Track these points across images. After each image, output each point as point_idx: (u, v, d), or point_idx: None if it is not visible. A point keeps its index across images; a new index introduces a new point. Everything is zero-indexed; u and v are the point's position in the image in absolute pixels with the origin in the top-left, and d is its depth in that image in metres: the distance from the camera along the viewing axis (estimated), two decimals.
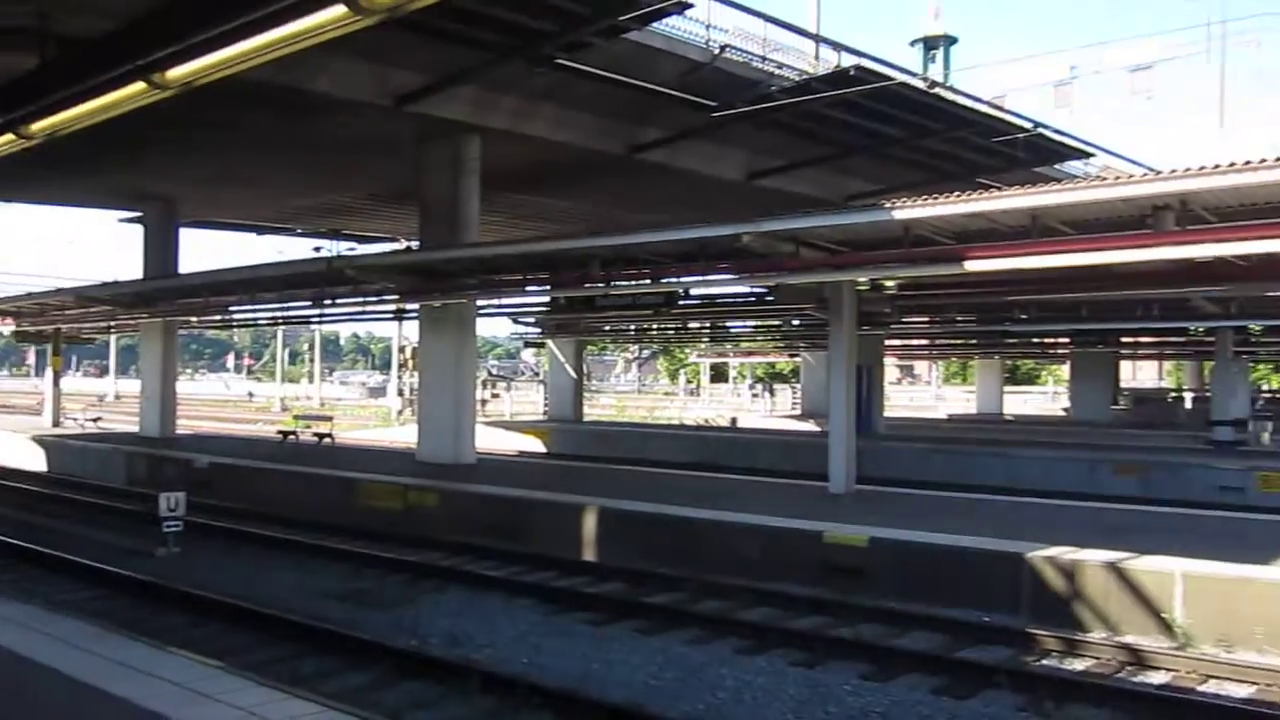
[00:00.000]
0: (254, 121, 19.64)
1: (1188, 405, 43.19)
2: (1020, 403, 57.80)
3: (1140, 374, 68.88)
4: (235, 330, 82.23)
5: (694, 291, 27.01)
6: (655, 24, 17.05)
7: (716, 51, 18.38)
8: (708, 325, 37.98)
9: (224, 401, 71.48)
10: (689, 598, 12.36)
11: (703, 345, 55.98)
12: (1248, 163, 10.53)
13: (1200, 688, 8.99)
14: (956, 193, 13.39)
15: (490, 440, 32.18)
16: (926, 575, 11.93)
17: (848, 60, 19.53)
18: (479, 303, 22.91)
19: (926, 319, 30.72)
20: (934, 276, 17.12)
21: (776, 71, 19.44)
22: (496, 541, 15.40)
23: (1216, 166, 10.85)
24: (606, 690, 8.68)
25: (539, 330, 36.83)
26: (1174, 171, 11.69)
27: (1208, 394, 34.29)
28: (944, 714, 8.21)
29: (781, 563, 13.07)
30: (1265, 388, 58.44)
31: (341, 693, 8.22)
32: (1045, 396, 64.03)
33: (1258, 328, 25.93)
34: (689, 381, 74.44)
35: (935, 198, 13.09)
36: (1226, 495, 21.19)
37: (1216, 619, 10.06)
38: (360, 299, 23.42)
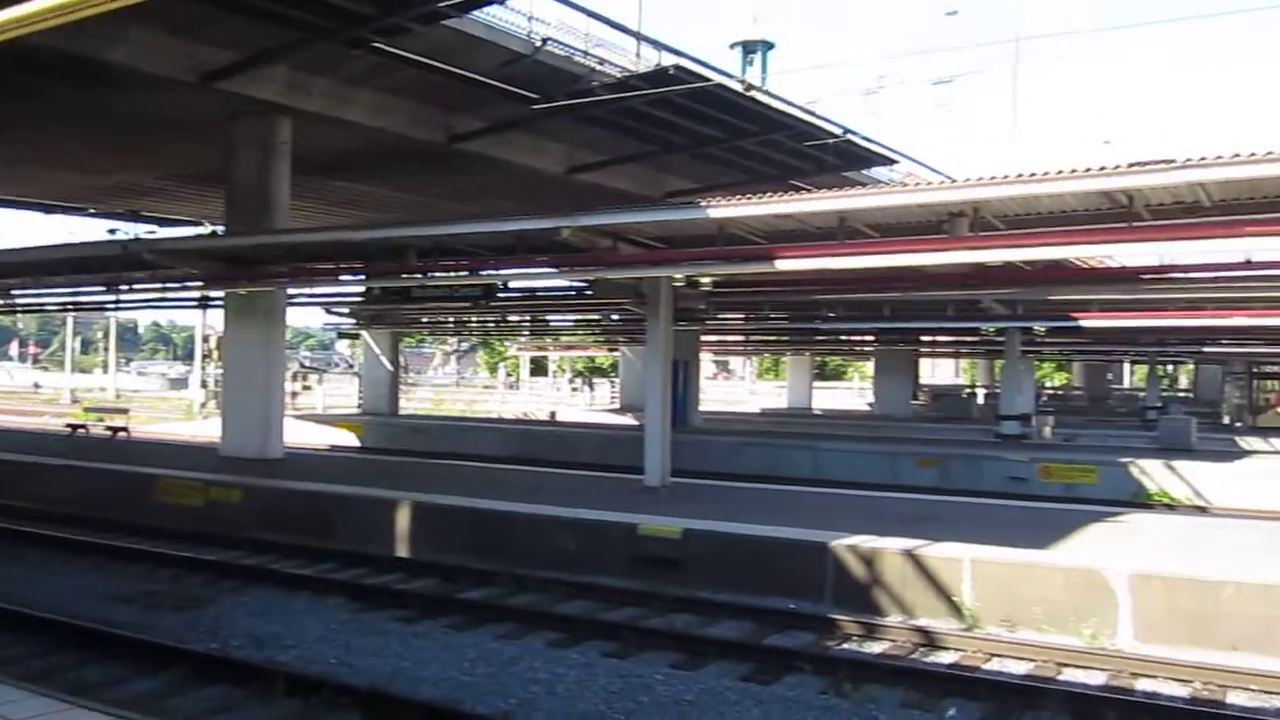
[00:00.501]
0: (54, 93, 18.34)
1: (980, 401, 45.93)
2: (829, 397, 60.23)
3: (939, 371, 72.77)
4: (19, 316, 76.53)
5: (513, 284, 26.88)
6: (476, 12, 16.85)
7: (538, 44, 18.32)
8: (528, 319, 37.85)
9: (7, 393, 66.46)
10: (504, 592, 12.29)
11: (523, 338, 55.79)
12: (1033, 174, 11.26)
13: (985, 665, 9.57)
14: (769, 194, 13.79)
15: (300, 434, 31.10)
16: (738, 565, 12.24)
17: (668, 59, 19.81)
18: (289, 291, 22.07)
19: (741, 315, 31.54)
20: (748, 274, 17.59)
21: (598, 67, 19.53)
22: (305, 539, 14.90)
23: (1005, 177, 11.55)
24: (417, 688, 8.53)
25: (353, 321, 35.83)
26: (968, 180, 12.39)
27: (998, 390, 36.58)
28: (751, 699, 8.44)
29: (597, 555, 13.15)
30: (1049, 385, 62.90)
31: (133, 699, 7.77)
32: (852, 392, 66.85)
33: (1041, 329, 27.76)
34: (509, 375, 74.05)
35: (749, 198, 13.44)
36: (1014, 485, 22.67)
37: (1001, 601, 10.72)
38: (161, 285, 22.20)
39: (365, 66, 18.06)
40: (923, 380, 59.43)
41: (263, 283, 19.91)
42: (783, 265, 13.91)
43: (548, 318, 37.88)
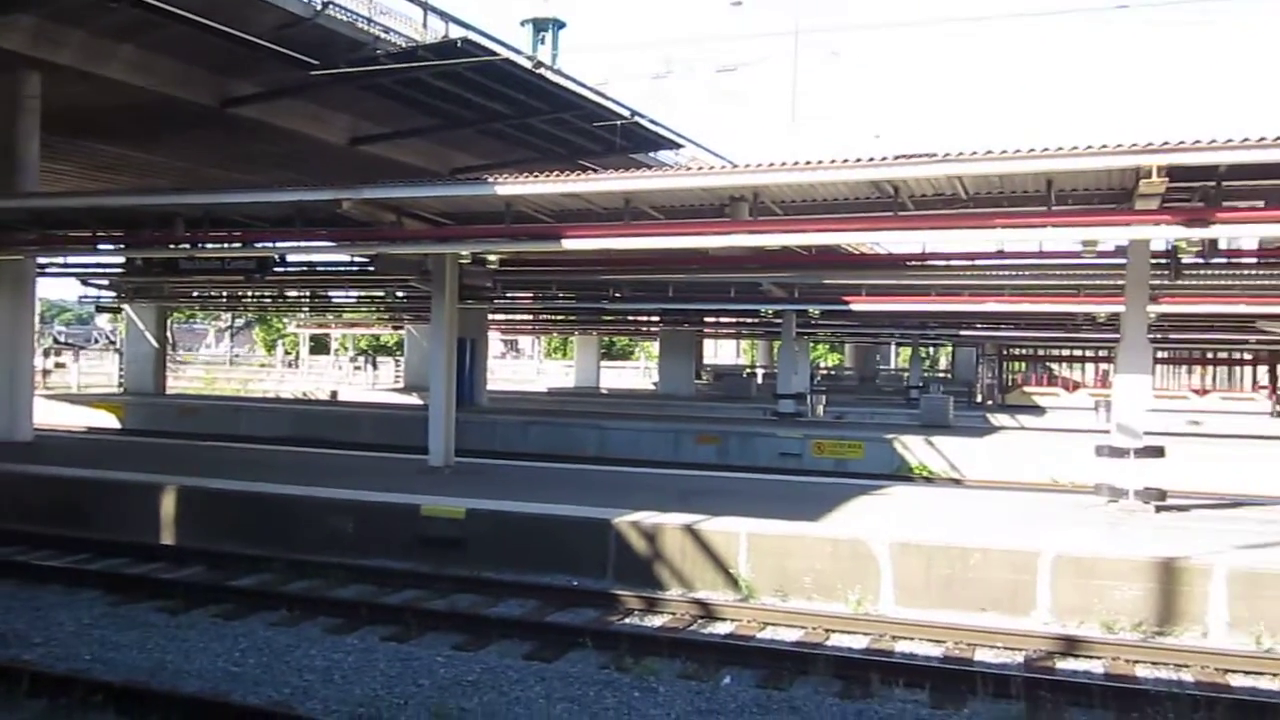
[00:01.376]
0: None
1: (759, 380, 47.65)
2: (615, 377, 61.02)
3: (721, 351, 75.03)
4: None
5: (292, 258, 25.80)
6: None
7: (318, 7, 17.56)
8: (307, 294, 36.43)
9: None
10: (279, 579, 11.82)
11: (302, 315, 53.67)
12: (808, 162, 11.71)
13: (759, 634, 9.96)
14: (558, 172, 13.76)
15: (53, 416, 28.86)
16: (521, 544, 12.22)
17: (456, 32, 19.42)
18: (40, 261, 20.38)
19: (530, 294, 31.44)
20: (535, 253, 17.55)
21: (383, 35, 18.92)
22: (56, 528, 13.82)
23: (783, 164, 11.96)
24: (181, 681, 8.08)
25: (114, 294, 33.47)
26: (748, 166, 12.76)
27: (776, 370, 38.05)
28: (533, 677, 8.44)
29: (379, 538, 12.84)
30: (823, 365, 65.95)
31: None
32: (638, 371, 67.98)
33: (816, 311, 28.98)
34: (288, 353, 71.10)
35: (537, 176, 13.36)
36: (788, 461, 23.68)
37: (774, 572, 11.17)
38: None
39: (126, 20, 16.80)
40: (706, 360, 61.20)
41: (8, 250, 18.27)
42: (569, 244, 13.93)
43: (329, 293, 36.62)
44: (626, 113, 23.21)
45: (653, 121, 24.61)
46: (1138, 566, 10.12)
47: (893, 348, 62.33)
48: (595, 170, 16.70)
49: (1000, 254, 22.78)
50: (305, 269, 27.82)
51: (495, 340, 76.14)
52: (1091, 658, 9.18)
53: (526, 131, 24.22)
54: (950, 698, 8.05)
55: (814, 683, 8.50)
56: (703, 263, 19.67)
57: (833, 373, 64.17)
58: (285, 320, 65.03)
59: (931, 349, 60.67)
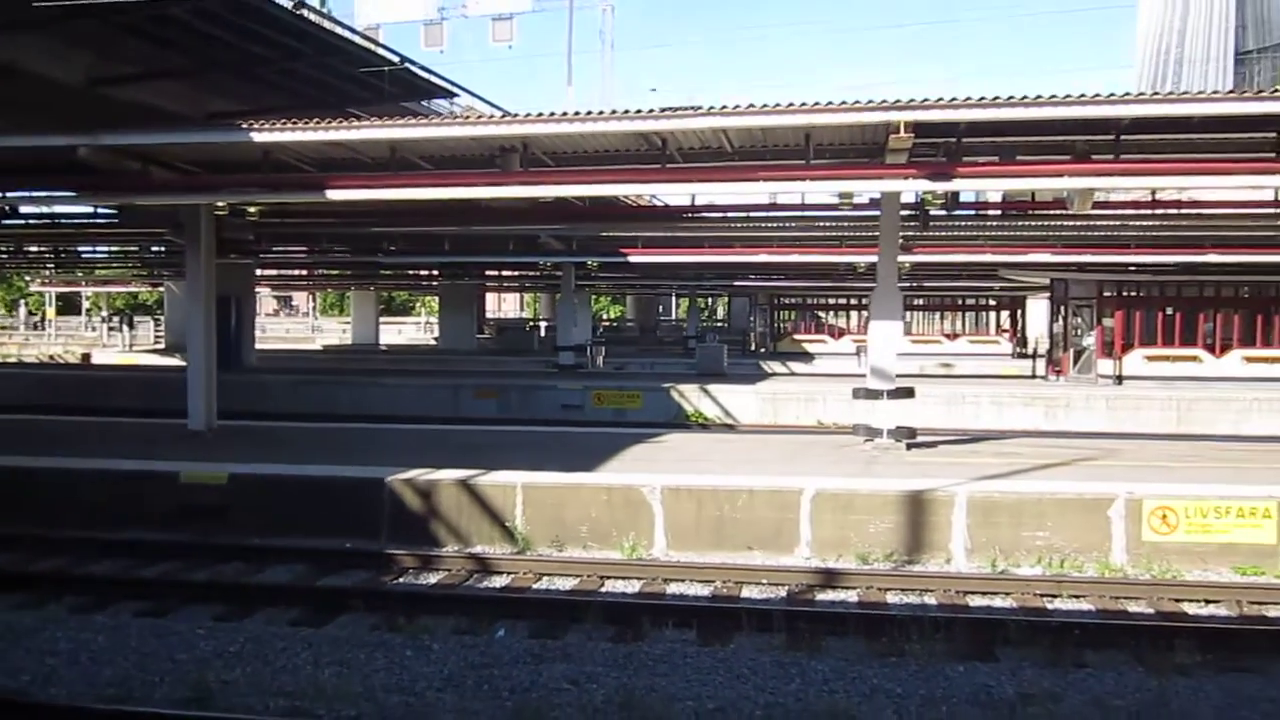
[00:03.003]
0: None
1: (543, 334, 47.70)
2: (395, 333, 59.64)
3: (505, 305, 74.60)
4: None
5: (26, 209, 23.71)
6: None
7: None
8: (49, 250, 33.61)
9: None
10: (23, 558, 10.94)
11: (46, 272, 49.53)
12: (577, 113, 11.69)
13: (535, 585, 10.01)
14: (321, 119, 13.17)
15: None
16: (290, 508, 11.77)
17: None
18: None
19: (303, 248, 30.19)
20: (298, 204, 16.80)
21: None
22: None
23: (553, 115, 11.88)
24: None
25: None
26: (518, 116, 12.60)
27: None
28: (301, 643, 8.16)
29: (135, 509, 12.06)
30: (606, 317, 66.70)
31: None
32: (419, 327, 66.66)
33: (594, 263, 29.24)
34: (32, 314, 65.55)
35: (297, 122, 12.75)
36: (570, 412, 23.85)
37: (550, 523, 11.25)
38: None
39: None
40: (489, 314, 60.70)
41: None
42: (334, 195, 13.41)
43: (77, 248, 33.94)
44: (396, 59, 22.41)
45: (424, 68, 23.88)
46: (889, 500, 10.79)
47: (673, 299, 63.69)
48: (362, 118, 16.05)
49: (770, 206, 23.58)
50: (47, 221, 25.60)
51: (266, 297, 72.87)
52: (848, 588, 9.74)
53: (290, 77, 22.97)
54: (717, 635, 8.35)
55: (587, 630, 8.63)
56: (479, 215, 19.39)
57: (615, 325, 65.04)
58: (27, 278, 59.83)
59: (709, 300, 62.37)
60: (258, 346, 33.43)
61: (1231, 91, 11.99)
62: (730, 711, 6.74)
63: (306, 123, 12.63)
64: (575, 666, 7.60)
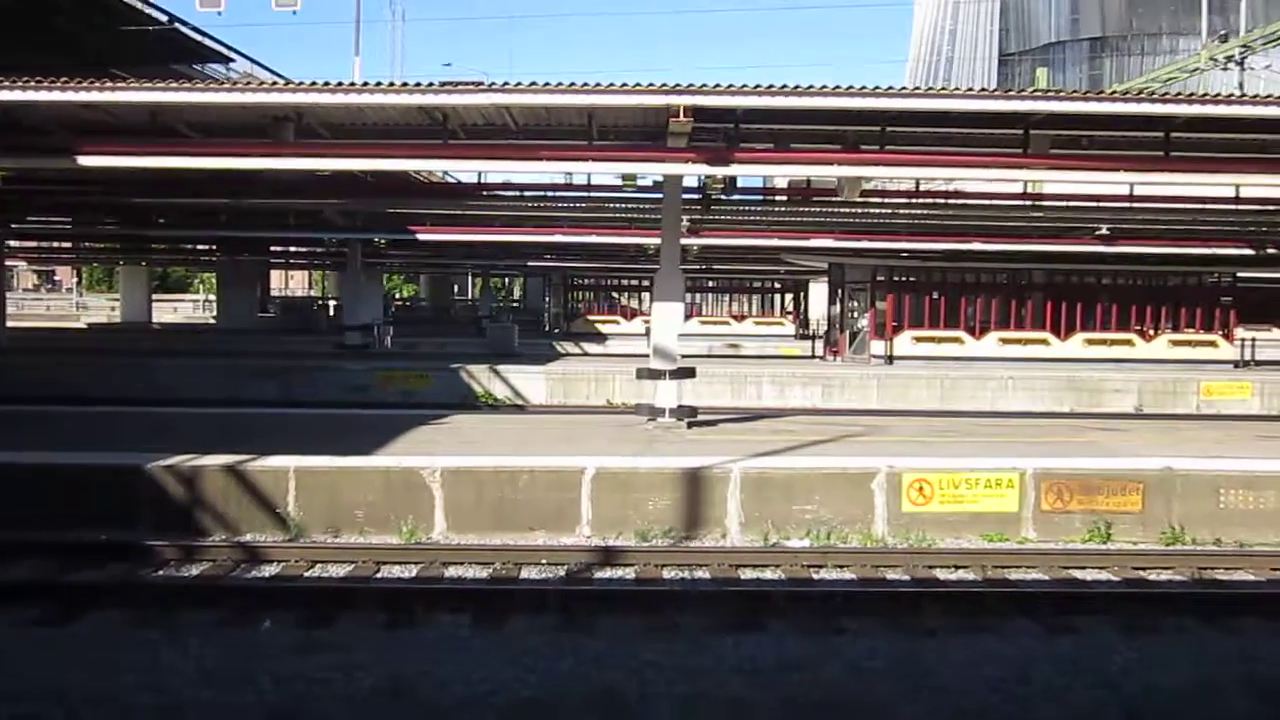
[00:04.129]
0: None
1: (331, 313, 46.14)
2: (170, 311, 56.39)
3: (293, 282, 71.73)
4: None
5: None
6: None
7: None
8: None
9: None
10: None
11: None
12: (352, 84, 11.29)
13: (307, 574, 9.65)
14: (70, 79, 12.17)
15: None
16: (35, 499, 10.85)
17: None
18: None
19: (65, 219, 28.02)
20: (53, 171, 15.54)
21: None
22: None
23: (329, 84, 11.40)
24: None
25: None
26: (292, 84, 12.07)
27: None
28: (43, 643, 7.57)
29: None
30: (399, 296, 65.20)
31: None
32: (196, 305, 63.24)
33: (382, 240, 28.47)
34: None
35: (43, 81, 11.73)
36: (355, 394, 23.14)
37: (325, 508, 10.86)
38: None
39: None
40: (275, 292, 58.21)
41: None
42: (87, 162, 12.46)
43: None
44: (164, 18, 21.04)
45: (196, 29, 22.55)
46: (668, 478, 11.00)
47: (469, 278, 62.90)
48: (125, 80, 14.98)
49: (560, 186, 23.58)
50: None
51: (24, 271, 67.51)
52: (626, 565, 9.86)
53: (51, 33, 21.21)
54: (492, 617, 8.29)
55: (360, 617, 8.39)
56: (255, 188, 18.48)
57: (408, 304, 63.67)
58: None
59: (505, 279, 61.94)
60: (10, 325, 30.85)
61: (985, 90, 12.84)
62: (501, 692, 6.70)
63: (54, 82, 11.64)
64: (344, 655, 7.35)
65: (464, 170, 16.57)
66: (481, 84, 11.35)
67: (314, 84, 11.52)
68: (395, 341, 32.30)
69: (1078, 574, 9.91)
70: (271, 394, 22.88)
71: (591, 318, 42.33)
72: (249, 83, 15.21)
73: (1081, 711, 6.40)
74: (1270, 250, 27.36)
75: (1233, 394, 25.13)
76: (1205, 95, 12.99)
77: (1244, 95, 12.96)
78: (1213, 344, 29.33)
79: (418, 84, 11.37)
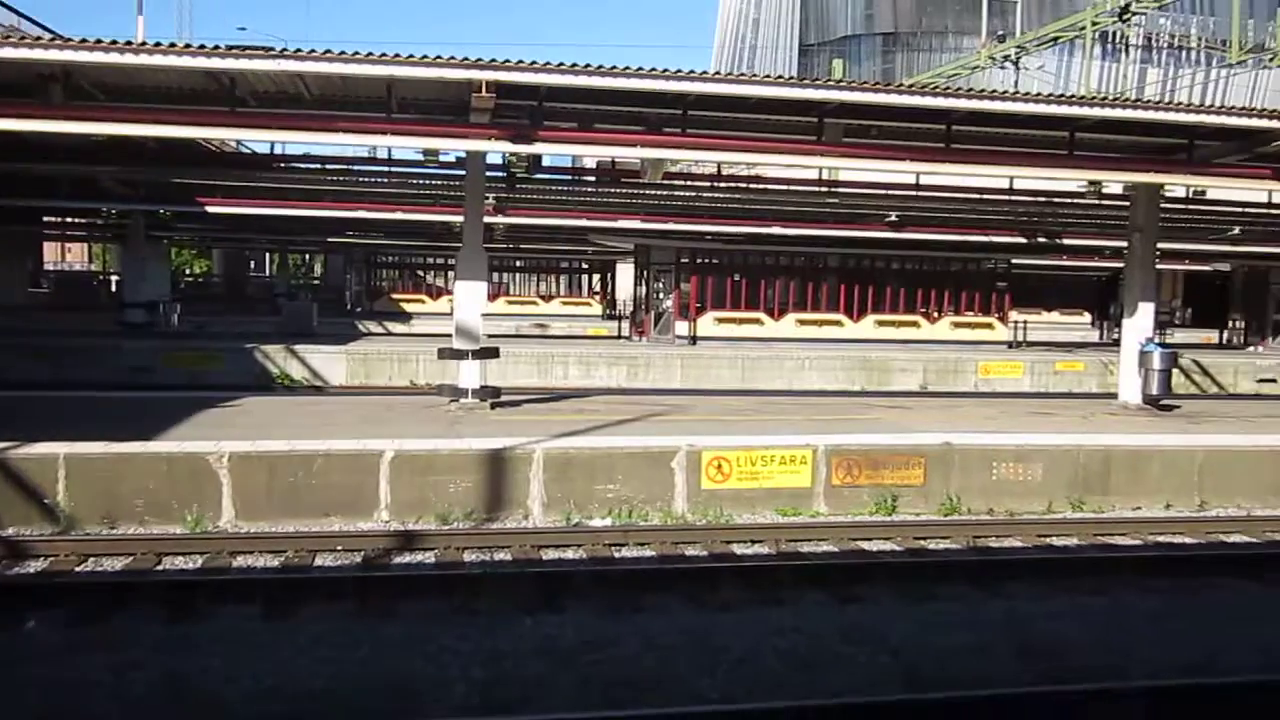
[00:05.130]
0: None
1: (113, 289, 43.28)
2: None
3: (70, 255, 66.80)
4: None
5: None
6: None
7: None
8: None
9: None
10: None
11: None
12: (129, 43, 10.51)
13: (78, 568, 9.01)
14: None
15: None
16: None
17: None
18: None
19: None
20: None
21: None
22: None
23: (99, 42, 10.58)
24: None
25: None
26: (58, 39, 11.13)
27: None
28: None
29: None
30: (189, 272, 61.77)
31: None
32: None
33: (168, 212, 26.85)
34: None
35: None
36: (138, 375, 21.75)
37: (100, 499, 10.15)
38: None
39: None
40: (53, 265, 54.20)
41: None
42: None
43: None
44: None
45: None
46: (470, 459, 10.84)
47: (265, 254, 60.20)
48: None
49: (363, 160, 22.89)
50: None
51: None
52: (426, 549, 9.67)
53: None
54: (284, 608, 7.95)
55: (137, 614, 7.89)
56: (19, 152, 17.02)
57: (199, 280, 60.44)
58: None
59: (305, 256, 59.59)
60: None
61: (783, 78, 13.16)
62: (290, 685, 6.44)
63: None
64: (118, 654, 6.91)
65: (256, 140, 15.79)
66: (273, 49, 10.81)
67: (84, 41, 10.65)
68: (183, 320, 30.52)
69: (865, 545, 10.38)
70: (44, 376, 21.24)
71: (396, 296, 41.33)
72: (8, 37, 13.94)
73: (866, 677, 6.71)
74: (1040, 239, 29.44)
75: (1007, 373, 26.93)
76: (983, 91, 13.75)
77: (1018, 92, 13.77)
78: (989, 326, 31.36)
79: (202, 46, 10.68)
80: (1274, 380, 27.87)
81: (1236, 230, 27.94)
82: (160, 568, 9.08)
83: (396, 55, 11.01)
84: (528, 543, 9.87)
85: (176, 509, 10.22)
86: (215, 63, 10.75)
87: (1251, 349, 34.04)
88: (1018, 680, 6.49)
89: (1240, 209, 24.89)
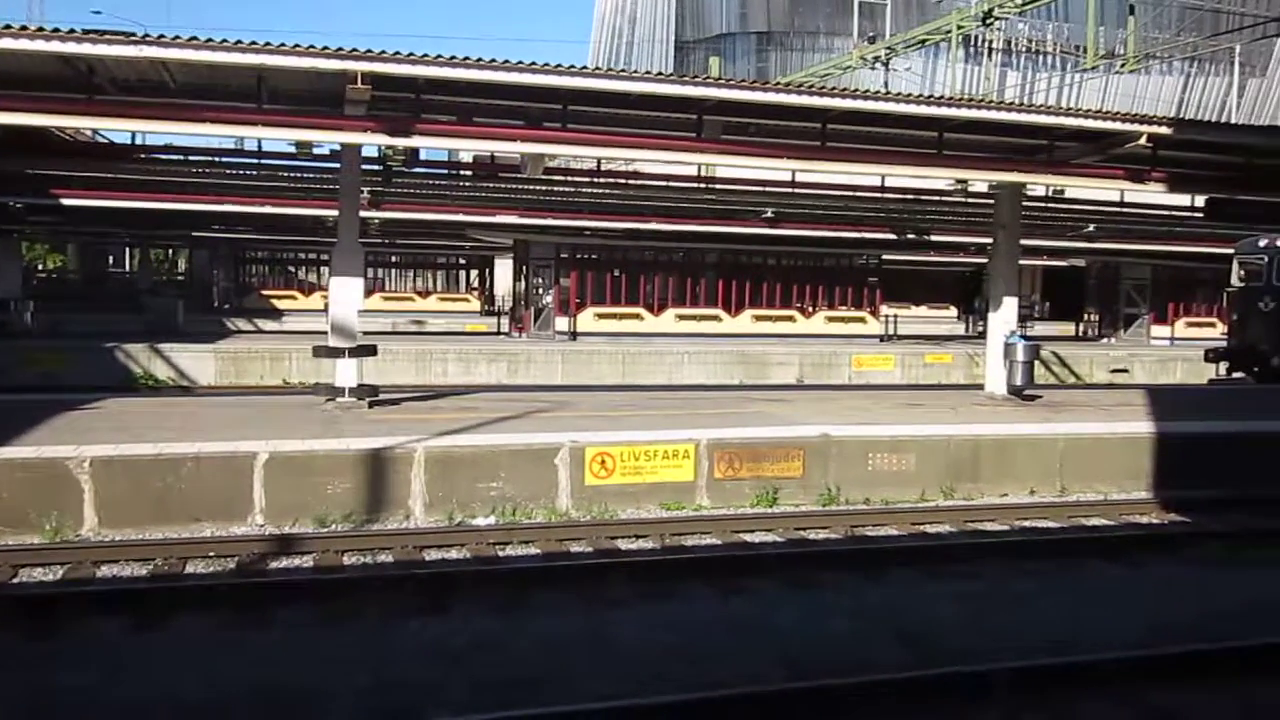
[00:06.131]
0: None
1: None
2: None
3: None
4: None
5: None
6: None
7: None
8: None
9: None
10: None
11: None
12: None
13: None
14: None
15: None
16: None
17: None
18: None
19: None
20: None
21: None
22: None
23: None
24: None
25: None
26: None
27: None
28: None
29: None
30: (42, 268, 58.70)
31: None
32: None
33: (17, 204, 25.45)
34: None
35: None
36: None
37: None
38: None
39: None
40: None
41: None
42: None
43: None
44: None
45: None
46: (348, 460, 10.58)
47: (126, 249, 57.61)
48: None
49: (231, 152, 22.10)
50: None
51: None
52: (303, 554, 9.40)
53: None
54: (152, 618, 7.62)
55: None
56: None
57: (53, 276, 57.51)
58: None
59: (169, 251, 57.27)
60: None
61: (662, 74, 13.21)
62: (164, 701, 6.17)
63: None
64: None
65: (116, 129, 15.01)
66: (134, 35, 10.32)
67: None
68: (37, 318, 28.97)
69: (748, 537, 10.51)
70: None
71: (266, 293, 40.08)
72: None
73: (750, 667, 6.80)
74: (910, 235, 30.38)
75: (879, 365, 27.71)
76: (857, 91, 14.07)
77: (891, 93, 14.14)
78: (862, 320, 32.20)
79: (56, 30, 10.15)
80: (1126, 370, 29.36)
81: (1091, 227, 29.39)
82: (17, 580, 8.60)
83: (268, 44, 10.66)
84: (410, 544, 9.68)
85: (34, 518, 9.67)
86: (71, 48, 10.21)
87: (1105, 340, 35.79)
88: (900, 665, 6.66)
89: (1095, 207, 26.13)
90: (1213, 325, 33.98)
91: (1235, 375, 23.43)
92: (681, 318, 29.91)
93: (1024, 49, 61.10)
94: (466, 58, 11.21)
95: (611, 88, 12.16)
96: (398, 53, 10.99)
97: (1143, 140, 13.93)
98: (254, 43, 10.69)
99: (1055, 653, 6.96)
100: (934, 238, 31.10)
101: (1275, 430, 14.04)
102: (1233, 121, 42.35)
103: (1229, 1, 58.35)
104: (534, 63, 11.47)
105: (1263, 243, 22.74)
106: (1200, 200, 18.55)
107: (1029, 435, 13.26)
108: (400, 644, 7.14)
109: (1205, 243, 30.92)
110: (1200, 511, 11.99)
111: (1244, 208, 17.19)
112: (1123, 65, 29.13)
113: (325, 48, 10.77)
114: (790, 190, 23.43)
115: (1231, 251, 24.23)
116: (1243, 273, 23.29)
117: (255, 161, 21.00)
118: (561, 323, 28.50)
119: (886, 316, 33.40)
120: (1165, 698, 6.31)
